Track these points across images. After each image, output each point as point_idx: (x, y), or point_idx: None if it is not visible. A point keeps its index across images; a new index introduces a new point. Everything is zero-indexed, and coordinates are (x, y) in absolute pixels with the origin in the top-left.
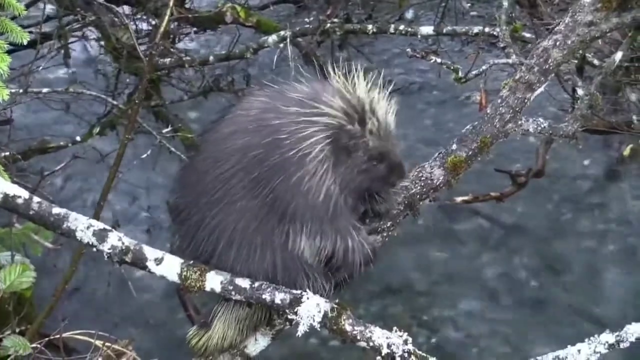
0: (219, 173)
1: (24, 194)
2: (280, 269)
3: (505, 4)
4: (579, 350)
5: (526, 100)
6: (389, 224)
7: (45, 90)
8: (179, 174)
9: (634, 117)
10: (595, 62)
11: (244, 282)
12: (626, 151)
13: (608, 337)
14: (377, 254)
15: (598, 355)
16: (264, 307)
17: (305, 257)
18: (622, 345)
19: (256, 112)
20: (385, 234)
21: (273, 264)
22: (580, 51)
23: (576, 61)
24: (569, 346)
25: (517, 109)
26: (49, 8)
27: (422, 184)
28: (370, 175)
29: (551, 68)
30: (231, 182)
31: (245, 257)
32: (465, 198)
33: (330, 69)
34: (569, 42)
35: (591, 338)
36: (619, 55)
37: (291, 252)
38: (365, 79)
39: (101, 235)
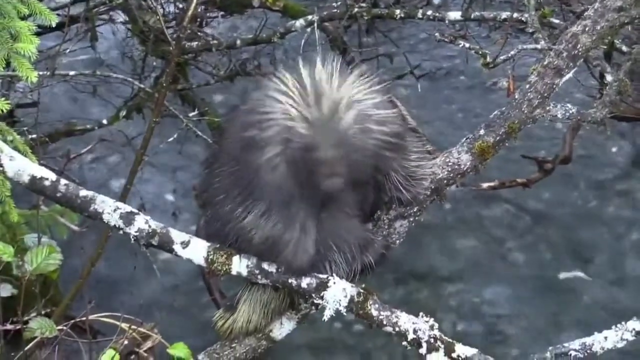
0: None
1: (51, 176)
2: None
3: None
4: (605, 337)
5: (554, 86)
6: (415, 209)
7: (72, 73)
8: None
9: None
10: (624, 48)
11: (270, 266)
12: None
13: (635, 324)
14: (305, 262)
15: (625, 342)
16: (289, 291)
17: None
18: None
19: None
20: (412, 219)
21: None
22: (609, 37)
23: (605, 47)
24: (595, 333)
25: (545, 94)
26: None
27: (450, 169)
28: (306, 168)
29: (580, 54)
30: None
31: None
32: (492, 184)
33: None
34: (598, 27)
35: (618, 325)
36: None
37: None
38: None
39: (128, 218)
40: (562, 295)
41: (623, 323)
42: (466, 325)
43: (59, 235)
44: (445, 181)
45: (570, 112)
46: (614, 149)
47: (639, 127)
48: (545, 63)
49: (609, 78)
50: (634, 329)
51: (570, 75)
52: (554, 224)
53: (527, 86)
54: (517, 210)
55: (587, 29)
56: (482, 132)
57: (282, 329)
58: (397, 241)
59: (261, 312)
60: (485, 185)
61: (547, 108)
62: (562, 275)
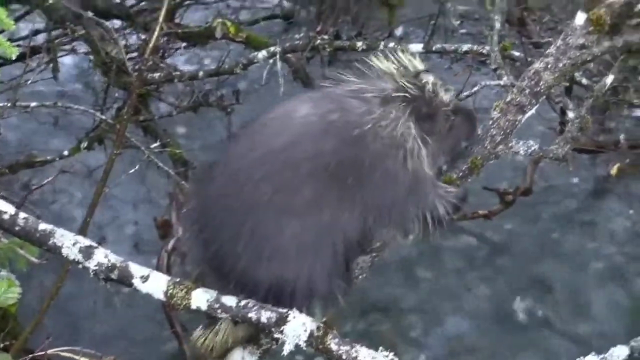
0: (281, 184)
1: (10, 209)
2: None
3: (497, 25)
4: None
5: (517, 123)
6: (378, 244)
7: (33, 104)
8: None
9: (621, 137)
10: (584, 81)
11: (230, 301)
12: (613, 170)
13: (593, 359)
14: (466, 195)
15: None
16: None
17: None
18: None
19: (316, 116)
20: (374, 254)
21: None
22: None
23: (566, 83)
24: None
25: (508, 130)
26: (38, 21)
27: None
28: (455, 130)
29: (542, 90)
30: (298, 191)
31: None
32: (453, 216)
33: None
34: (561, 65)
35: (577, 359)
36: (610, 79)
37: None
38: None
39: (87, 252)
40: (521, 327)
41: (582, 358)
42: (427, 357)
43: (18, 268)
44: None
45: (532, 148)
46: (574, 180)
47: (599, 159)
48: (508, 100)
49: (570, 115)
50: (618, 356)
51: (532, 111)
52: (514, 256)
53: (490, 122)
54: (478, 241)
55: (549, 66)
56: (445, 167)
57: None
58: (360, 276)
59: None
60: None
61: (510, 144)
62: (522, 307)
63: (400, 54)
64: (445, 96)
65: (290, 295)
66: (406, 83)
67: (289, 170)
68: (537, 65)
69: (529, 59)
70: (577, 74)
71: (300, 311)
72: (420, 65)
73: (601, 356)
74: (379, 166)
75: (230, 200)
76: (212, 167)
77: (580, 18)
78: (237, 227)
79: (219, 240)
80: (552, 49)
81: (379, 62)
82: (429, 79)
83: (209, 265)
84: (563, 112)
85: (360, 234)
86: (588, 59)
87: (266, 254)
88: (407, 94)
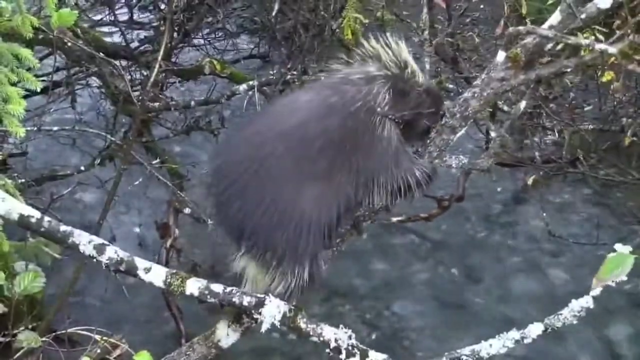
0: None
1: (36, 214)
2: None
3: (427, 66)
4: (490, 345)
5: (450, 141)
6: (338, 240)
7: (55, 128)
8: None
9: (536, 154)
10: (505, 107)
11: (217, 288)
12: (530, 181)
13: (514, 334)
14: (436, 170)
15: (506, 348)
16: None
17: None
18: (525, 341)
19: (318, 101)
20: (335, 249)
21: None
22: (494, 101)
23: (490, 109)
24: (482, 341)
25: (442, 148)
26: (59, 60)
27: (365, 209)
28: (423, 107)
29: (470, 115)
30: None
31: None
32: (400, 218)
33: None
34: (485, 94)
35: (501, 335)
36: (523, 104)
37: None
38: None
39: (100, 249)
40: (456, 309)
41: (505, 333)
42: (379, 335)
43: (44, 262)
44: (362, 217)
45: (463, 162)
46: (498, 189)
47: (517, 172)
48: (442, 123)
49: (493, 134)
50: (513, 338)
51: (462, 132)
52: (450, 251)
53: (428, 141)
54: (421, 239)
55: (476, 95)
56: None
57: (228, 339)
58: (323, 266)
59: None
60: (394, 219)
61: (444, 159)
62: (457, 293)
63: (388, 39)
64: (421, 78)
65: (303, 251)
66: (389, 62)
67: (304, 145)
68: (466, 94)
69: (460, 90)
70: (498, 101)
71: (310, 265)
72: (404, 51)
73: (521, 332)
74: (366, 132)
75: (253, 170)
76: (231, 142)
77: (501, 56)
78: (260, 193)
79: (240, 204)
80: (478, 81)
81: (369, 45)
82: (410, 62)
83: (228, 227)
84: (487, 133)
85: (353, 198)
86: (507, 89)
87: (287, 216)
88: (388, 72)
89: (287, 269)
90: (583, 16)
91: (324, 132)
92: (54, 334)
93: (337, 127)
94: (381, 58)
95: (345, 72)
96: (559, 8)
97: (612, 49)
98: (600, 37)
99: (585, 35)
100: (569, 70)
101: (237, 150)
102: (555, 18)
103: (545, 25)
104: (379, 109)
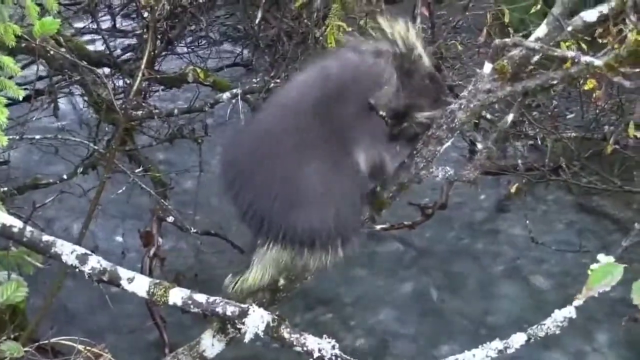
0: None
1: (18, 224)
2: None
3: None
4: (474, 355)
5: (436, 152)
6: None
7: (37, 136)
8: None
9: (519, 162)
10: (488, 116)
11: (201, 297)
12: (513, 189)
13: (497, 344)
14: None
15: (489, 358)
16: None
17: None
18: (508, 351)
19: (316, 71)
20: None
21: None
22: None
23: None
24: (465, 351)
25: (429, 159)
26: (41, 69)
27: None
28: (424, 91)
29: (457, 126)
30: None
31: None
32: (384, 226)
33: None
34: (472, 105)
35: (484, 345)
36: (511, 117)
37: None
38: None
39: (83, 259)
40: (440, 317)
41: (488, 343)
42: (362, 344)
43: (26, 272)
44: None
45: (449, 173)
46: (482, 197)
47: (501, 179)
48: (429, 133)
49: (479, 146)
50: (496, 348)
51: (449, 143)
52: (434, 258)
53: (415, 152)
54: (405, 247)
55: (462, 106)
56: (378, 189)
57: (213, 348)
58: (309, 277)
59: (273, 269)
60: (378, 227)
61: (431, 170)
62: (440, 300)
63: (401, 22)
64: (427, 63)
65: (324, 235)
66: (399, 42)
67: (301, 117)
68: (453, 105)
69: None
70: (484, 113)
71: (332, 249)
72: (414, 34)
73: (504, 342)
74: (364, 98)
75: (259, 156)
76: (239, 135)
77: (488, 67)
78: (268, 178)
79: (252, 195)
80: (465, 93)
81: (384, 23)
82: (418, 45)
83: (245, 221)
84: (473, 144)
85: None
86: (494, 100)
87: (298, 198)
88: (396, 49)
89: (318, 250)
90: (570, 29)
91: (321, 100)
92: (36, 343)
93: (335, 93)
94: (393, 36)
95: (355, 42)
96: (545, 20)
97: (598, 62)
98: (583, 45)
99: (567, 44)
100: (555, 82)
101: (243, 142)
102: (541, 30)
103: (532, 37)
104: (384, 80)
